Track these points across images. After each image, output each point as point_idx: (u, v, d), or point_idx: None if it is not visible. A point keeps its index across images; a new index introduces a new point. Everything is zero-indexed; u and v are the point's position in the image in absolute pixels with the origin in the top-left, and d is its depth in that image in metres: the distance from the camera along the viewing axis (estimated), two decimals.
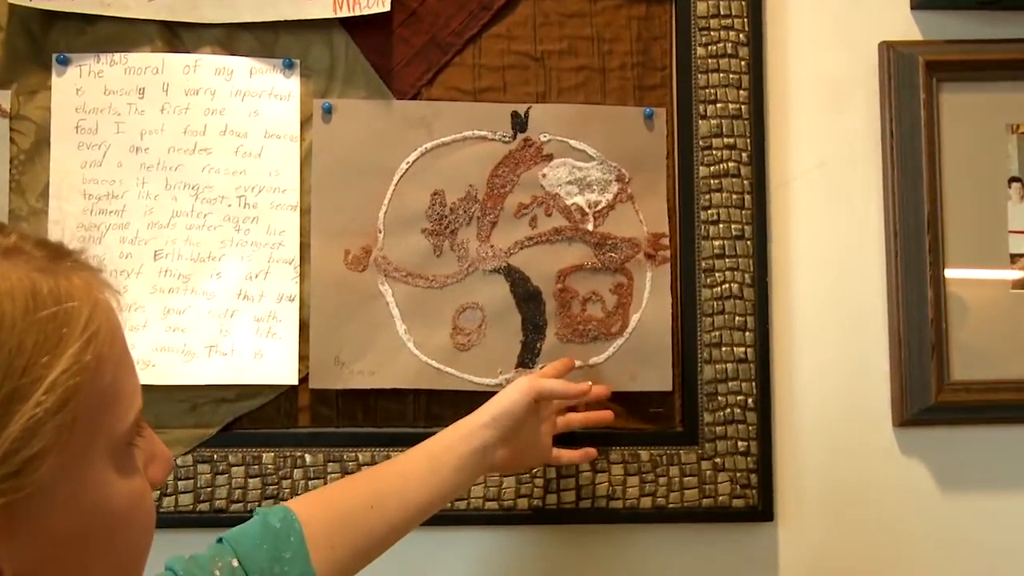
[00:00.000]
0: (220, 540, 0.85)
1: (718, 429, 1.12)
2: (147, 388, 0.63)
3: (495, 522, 1.12)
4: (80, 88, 1.10)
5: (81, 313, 0.53)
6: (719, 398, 1.12)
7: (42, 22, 1.10)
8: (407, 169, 1.11)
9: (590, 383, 1.00)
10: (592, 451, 1.07)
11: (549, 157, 1.12)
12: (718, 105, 1.14)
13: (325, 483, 1.10)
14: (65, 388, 0.51)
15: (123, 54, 1.11)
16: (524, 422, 0.97)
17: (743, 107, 1.14)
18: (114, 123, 1.10)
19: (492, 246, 1.12)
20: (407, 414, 1.11)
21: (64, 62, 1.10)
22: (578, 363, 1.11)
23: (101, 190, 1.10)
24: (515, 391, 0.96)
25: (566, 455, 1.06)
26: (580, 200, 1.12)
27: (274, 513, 0.86)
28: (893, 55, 1.15)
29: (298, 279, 1.10)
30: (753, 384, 1.12)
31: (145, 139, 1.10)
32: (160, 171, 1.10)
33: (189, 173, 1.10)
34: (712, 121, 1.14)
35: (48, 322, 0.51)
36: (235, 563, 0.81)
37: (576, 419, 1.05)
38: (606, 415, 1.05)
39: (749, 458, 1.12)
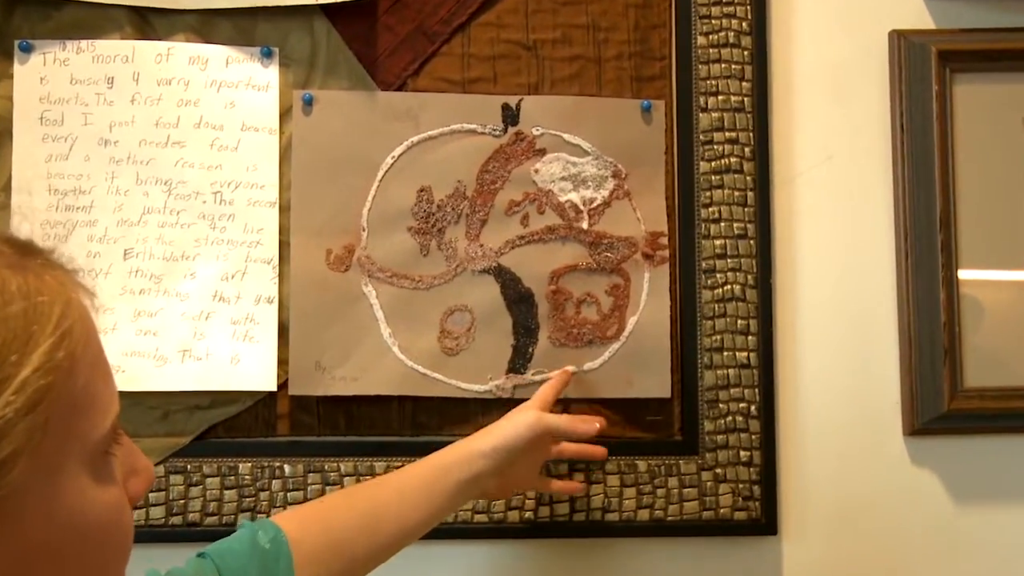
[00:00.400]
0: (202, 555, 0.82)
1: (719, 438, 1.12)
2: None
3: (485, 536, 1.11)
4: (45, 77, 1.08)
5: (52, 310, 0.52)
6: (720, 405, 1.11)
7: (4, 6, 1.08)
8: (392, 164, 1.10)
9: (598, 424, 1.00)
10: (581, 485, 1.08)
11: (542, 152, 1.12)
12: (719, 97, 1.13)
13: (305, 495, 1.09)
14: (36, 388, 0.50)
15: (91, 41, 1.09)
16: (524, 454, 0.98)
17: (746, 99, 1.13)
18: (81, 114, 1.08)
19: (482, 245, 1.11)
20: (392, 422, 1.10)
21: (27, 49, 1.09)
22: (572, 368, 1.10)
23: (67, 185, 1.08)
24: (522, 425, 0.96)
25: (556, 485, 1.07)
26: (574, 197, 1.12)
27: (264, 531, 0.84)
28: (904, 44, 1.14)
29: (277, 280, 1.09)
30: (756, 391, 1.12)
31: (114, 131, 1.09)
32: (130, 165, 1.09)
33: (161, 168, 1.09)
34: (713, 114, 1.13)
35: (17, 319, 0.50)
36: None
37: (569, 451, 1.04)
38: (600, 452, 1.04)
39: (752, 469, 1.11)
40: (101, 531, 0.55)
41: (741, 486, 1.11)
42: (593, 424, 1.00)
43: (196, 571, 0.79)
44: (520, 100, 1.12)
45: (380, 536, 0.89)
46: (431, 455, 0.96)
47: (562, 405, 1.09)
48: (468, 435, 1.01)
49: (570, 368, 1.08)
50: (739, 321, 1.12)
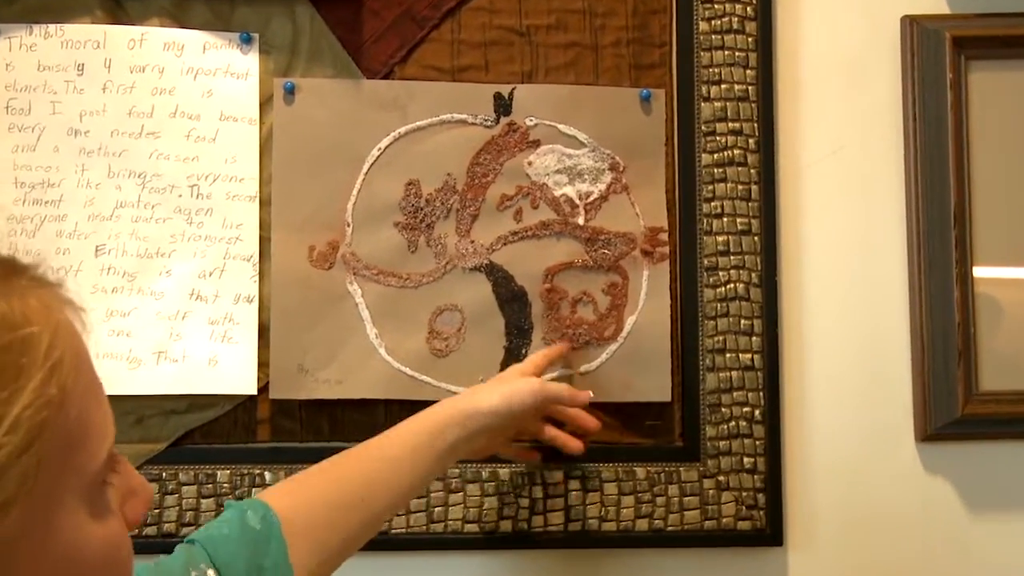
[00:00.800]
0: (191, 541, 0.81)
1: (722, 444, 1.11)
2: None
3: (475, 547, 1.10)
4: (10, 63, 1.07)
5: (41, 340, 0.51)
6: (723, 410, 1.11)
7: None
8: (378, 156, 1.10)
9: (591, 392, 1.04)
10: (536, 454, 1.08)
11: (536, 143, 1.11)
12: (723, 86, 1.13)
13: None
14: (28, 427, 0.49)
15: (59, 25, 1.08)
16: (518, 421, 0.99)
17: (750, 88, 1.13)
18: (49, 103, 1.08)
19: (472, 242, 1.11)
20: (378, 427, 1.02)
21: None
22: (567, 371, 1.10)
23: (35, 177, 1.07)
24: (525, 390, 0.97)
25: (512, 450, 1.08)
26: (570, 191, 1.12)
27: (252, 510, 0.83)
28: (917, 30, 1.14)
29: (257, 278, 1.09)
30: (760, 394, 1.12)
31: (85, 121, 1.08)
32: (102, 157, 1.08)
33: (135, 159, 1.08)
34: (716, 104, 1.13)
35: (3, 353, 0.49)
36: (212, 573, 0.78)
37: (566, 416, 1.05)
38: (593, 422, 1.06)
39: (756, 476, 1.11)
40: (99, 569, 0.54)
41: (745, 494, 1.11)
42: (588, 393, 1.03)
43: (186, 560, 0.79)
44: (513, 89, 1.11)
45: (374, 506, 0.88)
46: (418, 415, 0.96)
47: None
48: None
49: (564, 345, 1.09)
50: (743, 321, 1.12)
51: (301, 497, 0.87)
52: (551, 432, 1.04)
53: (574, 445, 1.04)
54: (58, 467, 0.51)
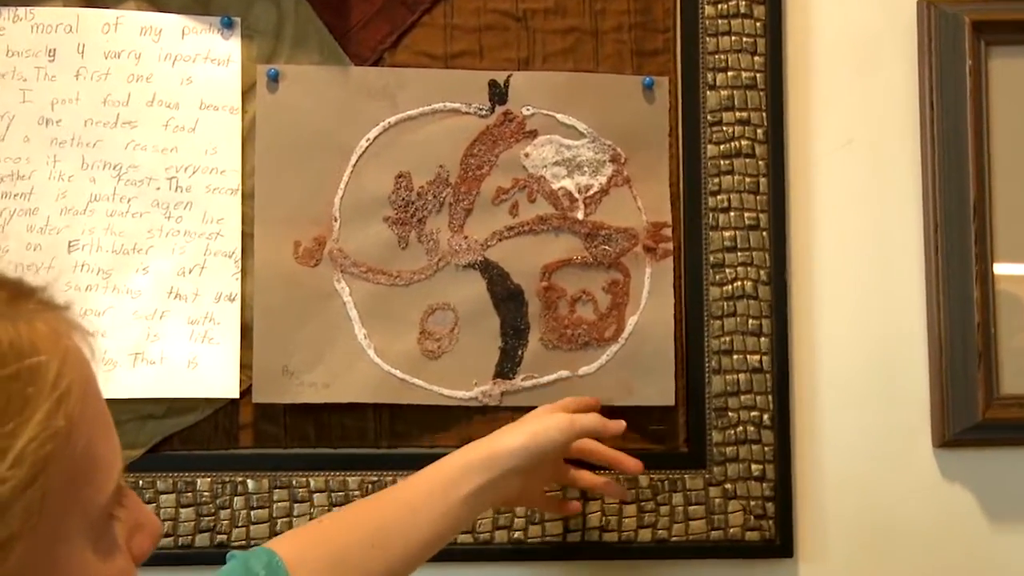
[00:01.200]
0: None
1: (729, 450, 1.11)
2: None
3: (469, 558, 1.09)
4: None
5: (49, 369, 0.51)
6: (730, 414, 1.11)
7: None
8: (367, 147, 1.09)
9: (623, 422, 1.02)
10: (576, 505, 1.08)
11: (533, 134, 1.11)
12: (729, 73, 1.12)
13: (270, 512, 1.07)
14: (34, 460, 0.49)
15: (29, 8, 1.07)
16: (549, 462, 0.99)
17: (758, 76, 1.13)
18: (19, 90, 1.06)
19: (466, 237, 1.10)
20: (367, 433, 1.09)
21: None
22: (565, 373, 1.10)
23: (4, 169, 1.06)
24: (552, 427, 0.95)
25: (550, 503, 1.06)
26: (568, 184, 1.11)
27: (256, 558, 0.84)
28: (934, 14, 1.13)
29: (239, 275, 1.08)
30: (769, 398, 1.11)
31: (57, 110, 1.07)
32: (75, 148, 1.07)
33: (110, 150, 1.08)
34: (722, 92, 1.12)
35: (10, 382, 0.49)
36: None
37: (593, 481, 1.05)
38: (635, 465, 1.03)
39: (765, 484, 1.11)
40: None
41: (753, 503, 1.11)
42: (621, 424, 1.01)
43: None
44: (509, 76, 1.11)
45: (388, 554, 0.88)
46: (439, 460, 0.94)
47: None
48: (452, 446, 1.01)
49: (597, 400, 1.08)
50: (751, 321, 1.11)
51: (308, 542, 0.87)
52: (588, 479, 1.03)
53: (617, 492, 1.04)
54: (63, 502, 0.51)
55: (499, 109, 1.10)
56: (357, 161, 1.09)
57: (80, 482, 0.52)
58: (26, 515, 0.49)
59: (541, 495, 1.04)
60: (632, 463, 1.02)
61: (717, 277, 1.11)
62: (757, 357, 1.11)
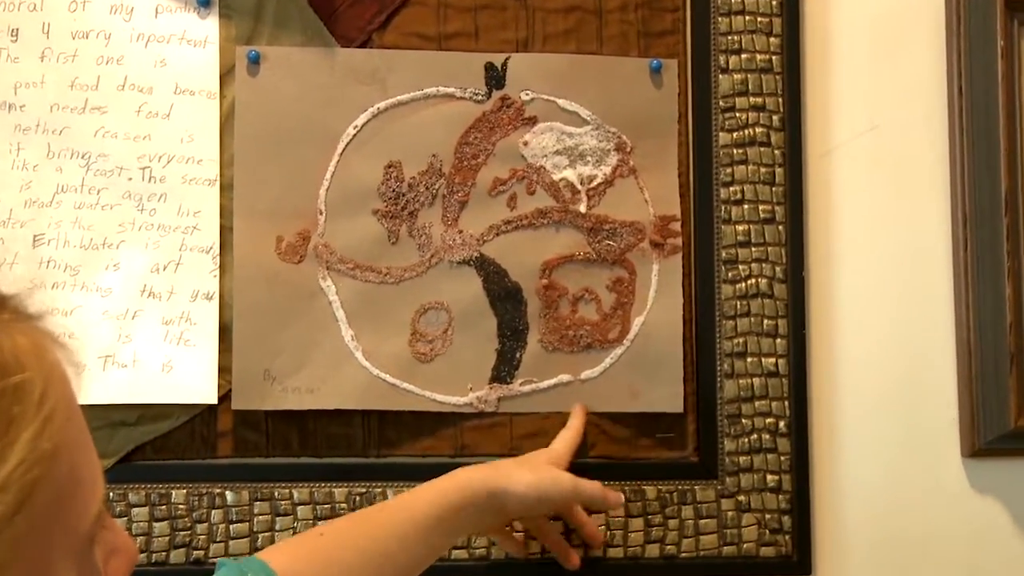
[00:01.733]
0: None
1: (742, 460, 1.10)
2: None
3: (464, 574, 1.08)
4: None
5: (35, 387, 0.50)
6: (743, 421, 1.10)
7: None
8: (354, 135, 1.09)
9: (622, 495, 1.06)
10: (524, 546, 1.08)
11: (532, 121, 1.10)
12: (743, 56, 1.12)
13: (251, 527, 1.06)
14: (20, 486, 0.48)
15: None
16: (538, 512, 1.01)
17: (774, 58, 1.12)
18: None
19: (461, 232, 1.10)
20: (355, 441, 1.08)
21: None
22: (566, 378, 1.10)
23: None
24: (558, 491, 0.99)
25: (503, 534, 1.07)
26: (570, 174, 1.11)
27: (249, 566, 0.84)
28: None
29: (217, 272, 1.08)
30: (786, 404, 1.11)
31: (20, 94, 1.06)
32: (40, 135, 1.07)
33: (78, 138, 1.07)
34: (735, 76, 1.12)
35: None
36: None
37: (560, 547, 1.06)
38: (575, 563, 1.06)
39: (781, 496, 1.10)
40: None
41: (768, 517, 1.10)
42: (620, 499, 1.04)
43: None
44: (507, 59, 1.11)
45: (383, 572, 0.90)
46: (441, 481, 0.96)
47: (560, 419, 1.08)
48: (446, 455, 1.04)
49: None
50: (766, 321, 1.11)
51: (305, 558, 0.87)
52: (555, 538, 1.05)
53: (574, 561, 1.05)
54: (49, 529, 0.51)
55: (496, 94, 1.10)
56: (344, 150, 1.09)
57: (65, 507, 0.52)
58: (13, 543, 0.49)
59: (502, 529, 1.06)
60: (598, 538, 1.06)
61: (730, 274, 1.11)
62: (773, 360, 1.10)
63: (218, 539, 1.05)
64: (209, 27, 1.08)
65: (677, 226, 1.11)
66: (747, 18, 1.11)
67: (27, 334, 0.52)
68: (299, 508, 1.06)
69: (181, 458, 1.07)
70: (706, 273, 1.11)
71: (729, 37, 1.11)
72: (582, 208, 1.10)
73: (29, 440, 0.49)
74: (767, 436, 1.10)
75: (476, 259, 1.09)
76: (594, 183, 1.11)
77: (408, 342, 1.08)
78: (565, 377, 1.09)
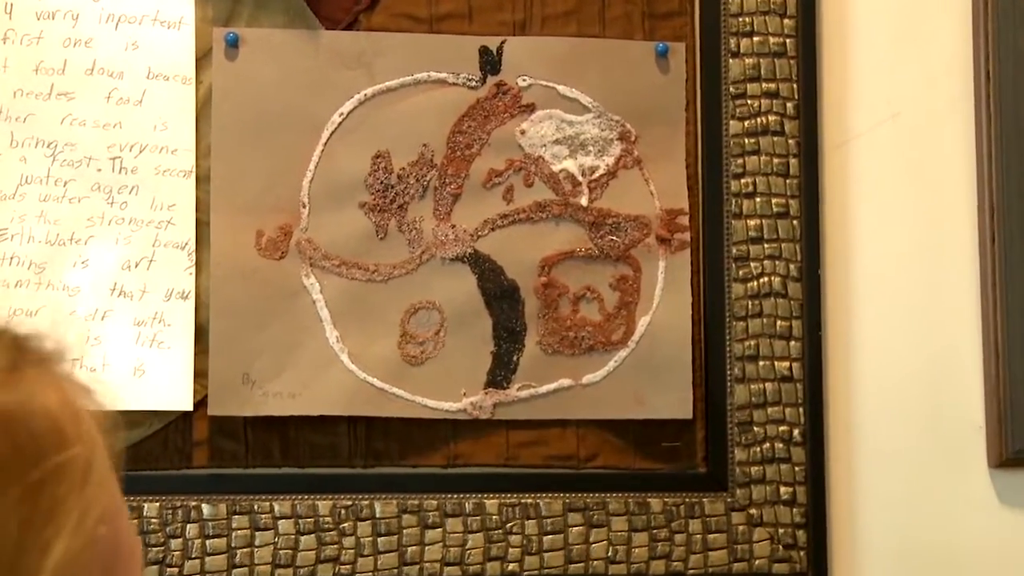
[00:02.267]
0: None
1: (754, 470, 1.10)
2: None
3: None
4: None
5: (77, 462, 0.47)
6: (755, 429, 1.10)
7: None
8: (340, 123, 1.09)
9: None
10: None
11: (530, 108, 1.10)
12: (755, 39, 1.12)
13: (229, 542, 1.06)
14: (73, 571, 0.46)
15: None
16: None
17: (788, 41, 1.12)
18: None
19: (453, 226, 1.09)
20: (340, 449, 1.08)
21: None
22: (567, 382, 1.09)
23: None
24: None
25: None
26: (571, 165, 1.10)
27: None
28: None
29: (193, 270, 1.08)
30: (800, 410, 1.10)
31: None
32: (3, 122, 1.07)
33: (43, 126, 1.07)
34: (747, 60, 1.12)
35: (41, 487, 0.46)
36: None
37: None
38: None
39: (795, 509, 1.10)
40: None
41: (781, 531, 1.10)
42: None
43: None
44: (502, 42, 1.10)
45: None
46: None
47: (560, 427, 1.08)
48: (437, 466, 1.03)
49: None
50: (779, 322, 1.11)
51: None
52: None
53: None
54: None
55: (491, 80, 1.10)
56: (328, 139, 1.09)
57: None
58: None
59: None
60: None
61: (741, 272, 1.11)
62: (786, 364, 1.10)
63: (194, 555, 1.04)
64: (184, 7, 1.07)
65: (685, 220, 1.10)
66: None
67: (57, 388, 0.50)
68: (280, 522, 1.05)
69: (154, 469, 1.05)
70: (715, 271, 1.10)
71: (740, 19, 1.11)
72: (583, 201, 1.10)
73: (75, 525, 0.47)
74: (780, 445, 1.09)
75: (470, 255, 1.09)
76: (596, 174, 1.10)
77: (397, 344, 1.08)
78: (565, 382, 1.09)
